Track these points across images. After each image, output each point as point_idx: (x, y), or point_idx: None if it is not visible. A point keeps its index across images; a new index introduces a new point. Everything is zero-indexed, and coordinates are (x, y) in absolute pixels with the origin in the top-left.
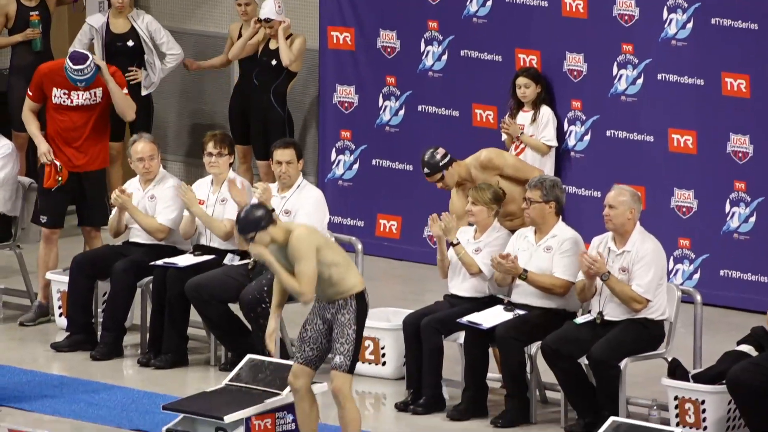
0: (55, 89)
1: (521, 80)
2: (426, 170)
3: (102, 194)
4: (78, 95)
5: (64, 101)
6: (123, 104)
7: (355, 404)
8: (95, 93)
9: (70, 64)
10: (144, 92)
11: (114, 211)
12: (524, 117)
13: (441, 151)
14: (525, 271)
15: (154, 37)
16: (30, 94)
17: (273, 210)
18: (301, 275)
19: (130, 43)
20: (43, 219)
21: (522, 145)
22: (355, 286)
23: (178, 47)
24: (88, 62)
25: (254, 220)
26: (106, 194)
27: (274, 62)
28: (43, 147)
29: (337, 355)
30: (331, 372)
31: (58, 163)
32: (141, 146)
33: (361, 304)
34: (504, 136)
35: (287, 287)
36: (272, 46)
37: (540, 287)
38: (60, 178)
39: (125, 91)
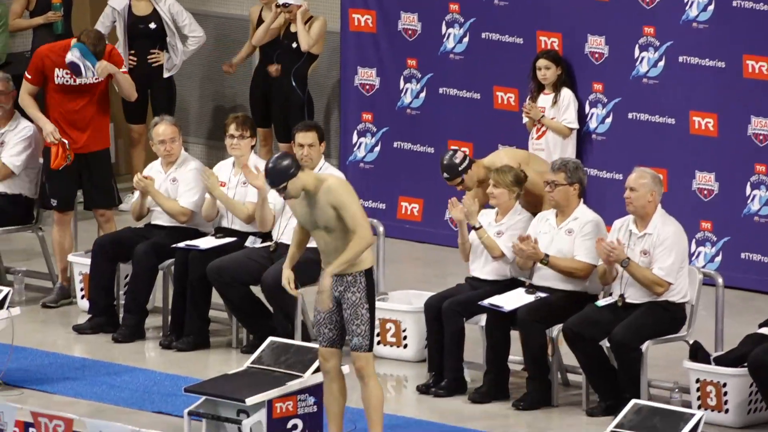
0: (57, 70)
1: (541, 62)
2: (446, 175)
3: (108, 175)
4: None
5: (67, 81)
6: (128, 89)
7: (378, 382)
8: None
9: (72, 77)
10: (166, 75)
11: (136, 194)
12: (545, 100)
13: (460, 154)
14: (546, 255)
15: (176, 19)
16: (29, 77)
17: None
18: (354, 220)
19: (153, 25)
20: (54, 202)
21: (543, 128)
22: (366, 260)
23: (200, 30)
24: (84, 73)
25: (283, 170)
26: (113, 175)
27: (294, 45)
28: (48, 127)
29: (355, 336)
30: (351, 353)
31: (66, 141)
32: (162, 129)
33: (370, 280)
34: (525, 120)
35: (357, 255)
36: (293, 29)
37: (561, 271)
38: (69, 156)
39: (124, 69)
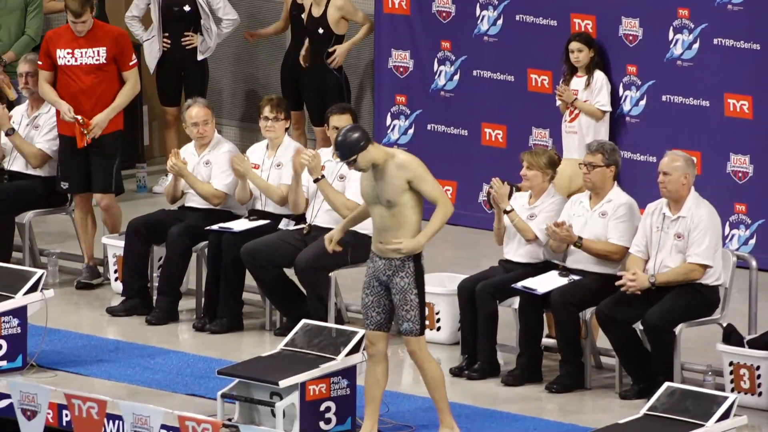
0: (59, 50)
1: (574, 45)
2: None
3: (110, 161)
4: (82, 53)
5: (68, 61)
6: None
7: (435, 362)
8: (98, 52)
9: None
10: (200, 57)
11: (170, 177)
12: (578, 82)
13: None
14: (580, 238)
15: (211, 2)
16: (40, 63)
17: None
18: (434, 192)
19: (187, 8)
20: (64, 185)
21: (576, 111)
22: None
23: (234, 12)
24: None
25: (354, 143)
26: (116, 161)
27: (321, 31)
28: (63, 106)
29: (405, 322)
30: (403, 338)
31: (80, 118)
32: (195, 111)
33: (419, 265)
34: (558, 102)
35: (441, 225)
36: (315, 13)
37: (595, 254)
38: (86, 131)
39: (133, 62)
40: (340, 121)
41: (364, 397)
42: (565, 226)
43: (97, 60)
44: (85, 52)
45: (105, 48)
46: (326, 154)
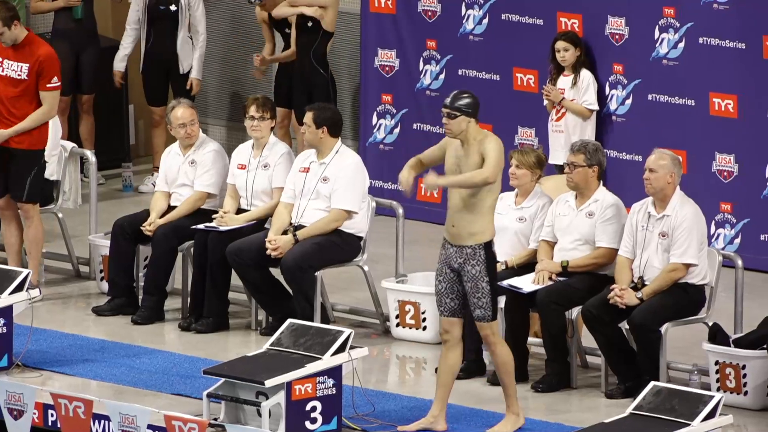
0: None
1: (560, 44)
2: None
3: (25, 172)
4: (8, 64)
5: (4, 71)
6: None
7: (505, 346)
8: (21, 67)
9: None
10: (183, 71)
11: (155, 177)
12: (564, 81)
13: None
14: (565, 263)
15: (192, 5)
16: None
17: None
18: (489, 164)
19: (173, 7)
20: None
21: (562, 110)
22: (487, 231)
23: (203, 30)
24: None
25: (464, 104)
26: (32, 173)
27: (310, 24)
28: None
29: (477, 309)
30: (476, 323)
31: None
32: (181, 112)
33: (490, 252)
34: (546, 102)
35: (472, 182)
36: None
37: (585, 268)
38: None
39: (52, 84)
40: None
41: (436, 381)
42: (547, 273)
43: (18, 75)
44: (10, 65)
45: (28, 65)
46: (311, 154)
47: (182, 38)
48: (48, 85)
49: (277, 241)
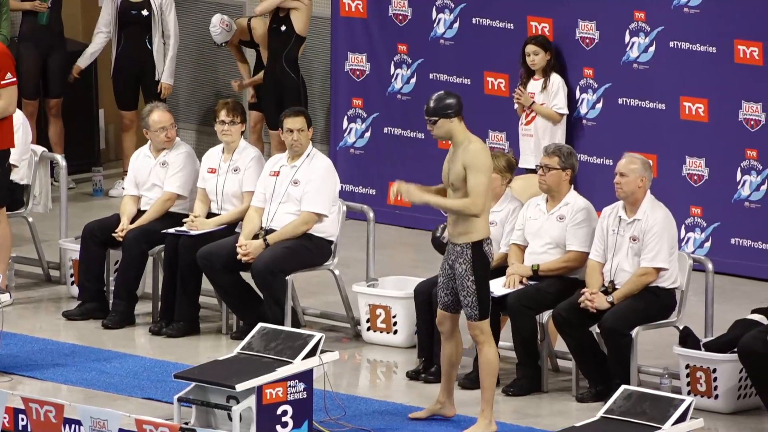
0: None
1: (530, 48)
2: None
3: None
4: None
5: None
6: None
7: (493, 348)
8: None
9: None
10: (158, 77)
11: (126, 180)
12: (535, 85)
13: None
14: (536, 266)
15: (164, 10)
16: None
17: None
18: (473, 188)
19: (144, 12)
20: None
21: (532, 114)
22: (477, 232)
23: (174, 35)
24: None
25: (444, 106)
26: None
27: (283, 28)
28: None
29: (464, 307)
30: (466, 321)
31: None
32: (159, 116)
33: (478, 253)
34: (516, 105)
35: (455, 210)
36: (280, 13)
37: (556, 272)
38: None
39: (6, 81)
40: (294, 123)
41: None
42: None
43: None
44: None
45: None
46: (281, 159)
47: (157, 43)
48: (2, 82)
49: (247, 246)
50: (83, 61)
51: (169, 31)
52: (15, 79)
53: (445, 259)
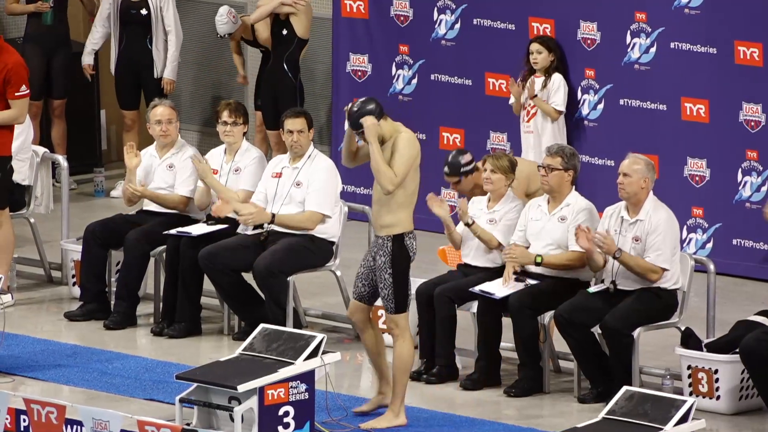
0: None
1: (534, 46)
2: (446, 170)
3: None
4: None
5: None
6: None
7: (408, 342)
8: None
9: None
10: (157, 75)
11: (126, 180)
12: (536, 83)
13: (468, 157)
14: (539, 257)
15: (162, 7)
16: None
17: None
18: (395, 167)
19: (143, 12)
20: None
21: (533, 111)
22: (399, 224)
23: (175, 31)
24: None
25: (366, 113)
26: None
27: (284, 32)
28: None
29: (382, 299)
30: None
31: None
32: (161, 110)
33: (398, 247)
34: (512, 100)
35: (377, 168)
36: (281, 16)
37: (556, 268)
38: None
39: (22, 91)
40: (294, 124)
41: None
42: (510, 274)
43: None
44: None
45: None
46: (283, 160)
47: (156, 42)
48: (17, 94)
49: (252, 210)
50: (86, 58)
51: (169, 27)
52: (28, 91)
53: (368, 251)
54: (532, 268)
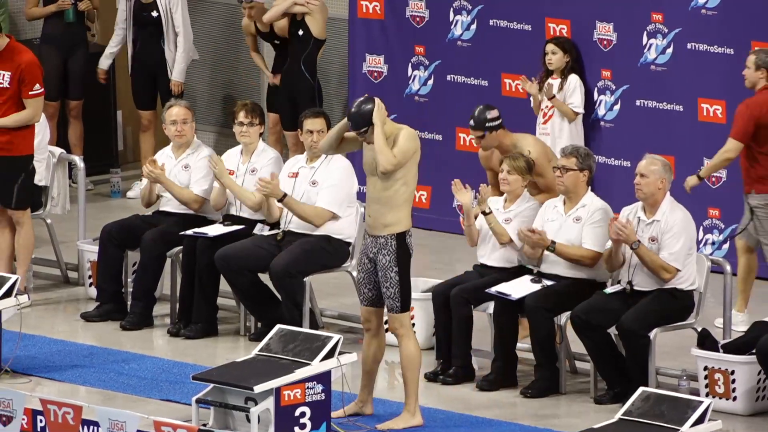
0: None
1: (549, 47)
2: (471, 123)
3: (13, 178)
4: None
5: None
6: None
7: (413, 341)
8: (3, 75)
9: None
10: (170, 74)
11: (144, 181)
12: (552, 84)
13: (494, 113)
14: (553, 242)
15: (172, 9)
16: None
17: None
18: (397, 149)
19: (155, 13)
20: None
21: (550, 113)
22: (400, 223)
23: (183, 32)
24: None
25: (367, 113)
26: (19, 180)
27: (301, 32)
28: None
29: (386, 299)
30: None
31: None
32: (176, 110)
33: (401, 245)
34: (532, 102)
35: (379, 148)
36: (297, 16)
37: (569, 258)
38: None
39: (36, 91)
40: (314, 124)
41: (361, 369)
42: (538, 230)
43: (1, 84)
44: None
45: (9, 73)
46: (300, 160)
47: (168, 43)
48: (30, 93)
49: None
50: (104, 62)
51: (178, 29)
52: (43, 90)
53: (363, 254)
54: (549, 269)
